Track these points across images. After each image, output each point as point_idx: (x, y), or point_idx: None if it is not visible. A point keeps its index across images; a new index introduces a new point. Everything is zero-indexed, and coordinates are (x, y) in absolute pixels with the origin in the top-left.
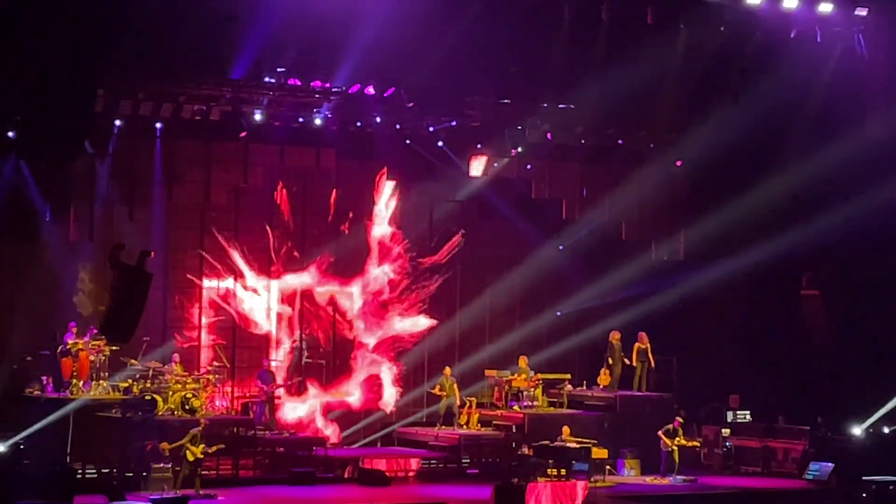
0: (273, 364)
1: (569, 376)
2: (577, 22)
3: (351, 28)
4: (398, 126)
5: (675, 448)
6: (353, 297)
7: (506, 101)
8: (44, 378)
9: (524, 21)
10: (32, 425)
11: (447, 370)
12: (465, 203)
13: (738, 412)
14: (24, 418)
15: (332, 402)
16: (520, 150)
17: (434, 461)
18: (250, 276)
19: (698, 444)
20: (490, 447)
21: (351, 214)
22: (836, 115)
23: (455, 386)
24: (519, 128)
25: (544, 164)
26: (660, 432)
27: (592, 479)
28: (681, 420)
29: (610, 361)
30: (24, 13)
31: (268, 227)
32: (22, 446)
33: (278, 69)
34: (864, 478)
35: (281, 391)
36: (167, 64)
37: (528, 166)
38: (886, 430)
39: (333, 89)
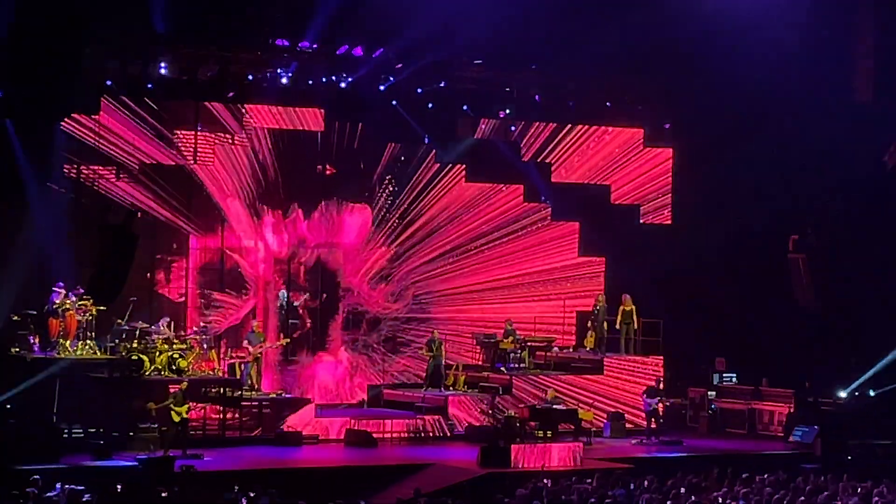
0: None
1: (555, 338)
2: None
3: None
4: (382, 88)
5: (656, 407)
6: (340, 258)
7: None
8: (30, 337)
9: None
10: (18, 384)
11: (435, 332)
12: (454, 165)
13: (724, 375)
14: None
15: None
16: (508, 111)
17: (421, 422)
18: (238, 236)
19: (680, 401)
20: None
21: (339, 175)
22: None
23: (443, 347)
24: (507, 89)
25: (533, 126)
26: (642, 393)
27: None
28: (659, 380)
29: (593, 323)
30: None
31: (255, 187)
32: (9, 406)
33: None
34: (849, 441)
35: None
36: (155, 24)
37: (513, 128)
38: (872, 392)
39: (321, 50)
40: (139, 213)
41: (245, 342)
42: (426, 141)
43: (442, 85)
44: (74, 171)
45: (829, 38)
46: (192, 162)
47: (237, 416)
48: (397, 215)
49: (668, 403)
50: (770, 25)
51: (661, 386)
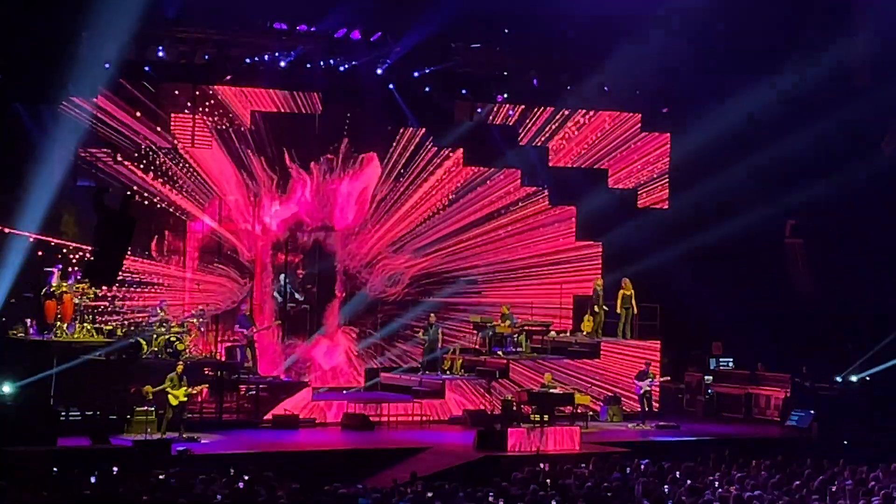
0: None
1: (552, 322)
2: None
3: None
4: (379, 71)
5: (649, 389)
6: (337, 242)
7: (493, 46)
8: (27, 320)
9: None
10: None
11: (432, 316)
12: (451, 148)
13: (720, 359)
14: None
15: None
16: (505, 96)
17: (418, 406)
18: (235, 219)
19: (669, 381)
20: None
21: (336, 158)
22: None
23: (440, 332)
24: (505, 73)
25: (531, 111)
26: (634, 378)
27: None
28: (649, 362)
29: (595, 308)
30: None
31: (252, 170)
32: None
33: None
34: (845, 425)
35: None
36: (153, 6)
37: (511, 112)
38: (855, 378)
39: (319, 33)
40: (136, 197)
41: (237, 326)
42: (414, 125)
43: (432, 69)
44: (73, 152)
45: (826, 20)
46: (189, 145)
47: (235, 399)
48: (399, 191)
49: (656, 385)
50: (768, 9)
51: (651, 369)
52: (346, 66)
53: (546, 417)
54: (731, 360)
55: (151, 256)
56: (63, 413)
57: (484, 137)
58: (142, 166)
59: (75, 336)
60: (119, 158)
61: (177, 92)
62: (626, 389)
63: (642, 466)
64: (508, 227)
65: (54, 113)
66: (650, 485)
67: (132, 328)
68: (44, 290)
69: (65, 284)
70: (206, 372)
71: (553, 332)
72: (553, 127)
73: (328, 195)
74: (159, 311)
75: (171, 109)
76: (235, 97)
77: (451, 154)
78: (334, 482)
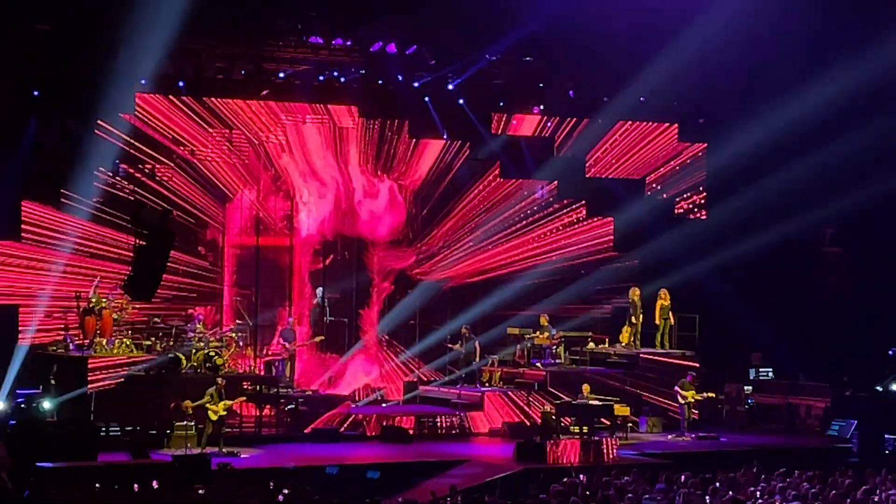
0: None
1: (590, 334)
2: None
3: None
4: (416, 84)
5: (691, 401)
6: (374, 255)
7: (528, 58)
8: (67, 336)
9: None
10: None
11: (465, 329)
12: (486, 161)
13: (760, 369)
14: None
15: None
16: (542, 107)
17: (456, 419)
18: (273, 232)
19: (713, 396)
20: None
21: (373, 172)
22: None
23: (476, 343)
24: (541, 85)
25: (566, 122)
26: (675, 387)
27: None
28: (693, 374)
29: (632, 319)
30: None
31: (290, 183)
32: (23, 405)
33: (299, 26)
34: (886, 435)
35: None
36: (189, 22)
37: (549, 123)
38: (895, 387)
39: (355, 47)
40: (174, 212)
41: (281, 339)
42: (450, 138)
43: (467, 81)
44: (110, 168)
45: (867, 27)
46: (227, 159)
47: (273, 413)
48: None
49: (700, 397)
50: (805, 17)
51: (695, 380)
52: (382, 79)
53: (586, 429)
54: (771, 370)
55: (189, 270)
56: (103, 428)
57: (520, 149)
58: (180, 181)
59: (115, 351)
60: (156, 173)
61: (213, 107)
62: (665, 400)
63: (683, 478)
64: (546, 237)
65: (91, 128)
66: (691, 496)
67: (170, 343)
68: (83, 307)
69: (104, 300)
70: (245, 386)
71: (591, 343)
72: (590, 138)
73: (365, 207)
74: (197, 326)
75: (208, 125)
76: (272, 111)
77: (488, 166)
78: (374, 495)
